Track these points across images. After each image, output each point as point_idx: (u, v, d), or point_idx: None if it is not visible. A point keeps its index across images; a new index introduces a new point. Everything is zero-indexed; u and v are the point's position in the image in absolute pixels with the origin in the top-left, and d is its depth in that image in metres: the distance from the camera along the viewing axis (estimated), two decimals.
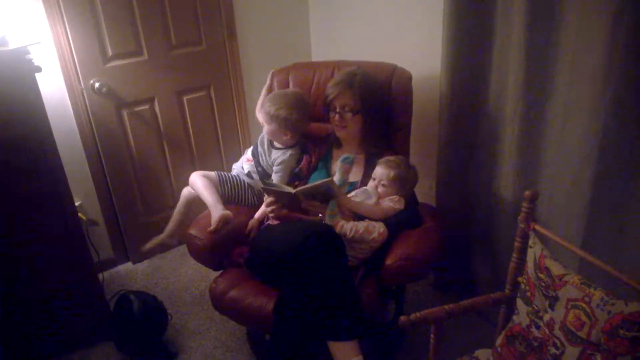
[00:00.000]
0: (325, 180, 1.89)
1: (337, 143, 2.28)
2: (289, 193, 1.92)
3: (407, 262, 1.85)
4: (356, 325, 1.76)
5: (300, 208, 2.01)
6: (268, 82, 2.51)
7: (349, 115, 2.12)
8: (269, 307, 1.86)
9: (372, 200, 2.02)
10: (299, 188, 1.93)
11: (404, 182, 2.05)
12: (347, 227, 1.89)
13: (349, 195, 2.06)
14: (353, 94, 2.10)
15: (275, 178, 2.28)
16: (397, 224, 1.98)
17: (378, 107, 2.19)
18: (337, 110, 2.13)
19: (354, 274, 1.89)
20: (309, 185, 1.93)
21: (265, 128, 2.30)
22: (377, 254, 1.94)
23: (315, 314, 1.76)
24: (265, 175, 2.37)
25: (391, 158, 2.08)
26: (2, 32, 2.00)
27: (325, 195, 1.91)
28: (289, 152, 2.30)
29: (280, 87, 2.48)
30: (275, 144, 2.34)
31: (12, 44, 1.98)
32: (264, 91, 2.50)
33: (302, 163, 2.28)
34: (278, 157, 2.30)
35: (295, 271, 1.79)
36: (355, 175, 2.18)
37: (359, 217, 1.99)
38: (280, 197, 2.01)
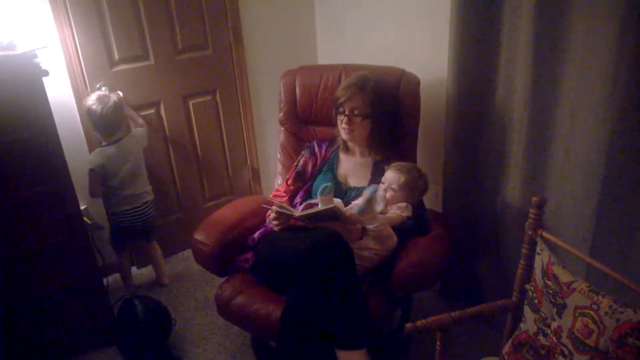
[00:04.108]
0: (328, 207, 1.86)
1: (345, 147, 2.27)
2: (292, 215, 1.92)
3: (417, 270, 1.84)
4: (365, 334, 1.74)
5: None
6: None
7: (358, 119, 2.11)
8: (275, 314, 1.85)
9: (380, 207, 2.00)
10: (302, 213, 1.91)
11: (413, 189, 2.03)
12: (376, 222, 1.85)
13: (354, 202, 2.05)
14: (364, 98, 2.09)
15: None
16: (405, 231, 1.97)
17: (387, 112, 2.18)
18: (346, 113, 2.12)
19: (361, 282, 1.87)
20: (312, 210, 1.92)
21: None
22: (384, 262, 1.93)
23: (324, 322, 1.75)
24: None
25: (403, 164, 2.07)
26: (10, 36, 2.01)
27: (331, 217, 1.91)
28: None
29: (286, 90, 2.49)
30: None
31: (20, 48, 1.99)
32: None
33: (307, 165, 2.28)
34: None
35: (303, 279, 1.78)
36: (362, 181, 2.18)
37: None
38: (282, 214, 2.00)
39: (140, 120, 2.71)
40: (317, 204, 2.11)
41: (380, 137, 2.19)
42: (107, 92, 2.48)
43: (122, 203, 2.57)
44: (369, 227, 1.87)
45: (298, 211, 2.02)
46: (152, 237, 2.80)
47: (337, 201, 2.06)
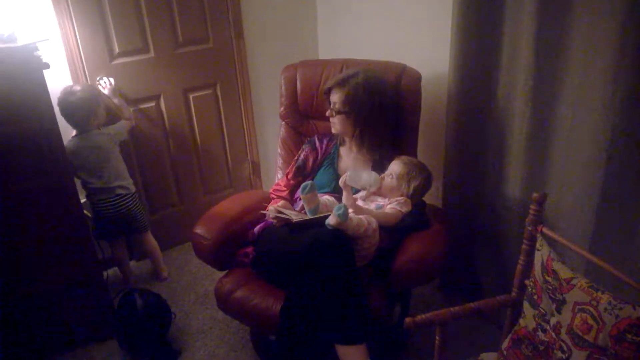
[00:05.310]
0: (324, 214, 1.86)
1: (342, 140, 2.28)
2: (290, 219, 1.92)
3: (417, 265, 1.84)
4: (364, 329, 1.75)
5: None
6: None
7: (333, 113, 2.15)
8: (275, 308, 1.86)
9: (372, 188, 2.02)
10: (300, 220, 1.91)
11: (408, 183, 2.04)
12: (355, 220, 1.82)
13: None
14: (341, 94, 2.10)
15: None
16: (405, 227, 1.97)
17: (374, 111, 2.13)
18: (330, 105, 2.17)
19: (361, 277, 1.87)
20: (311, 217, 1.92)
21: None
22: (384, 257, 1.93)
23: (323, 317, 1.75)
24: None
25: (410, 158, 2.10)
26: (11, 28, 2.00)
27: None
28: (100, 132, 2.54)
29: (287, 85, 2.48)
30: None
31: (21, 41, 1.98)
32: None
33: (308, 159, 2.28)
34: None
35: (303, 273, 1.78)
36: None
37: None
38: (279, 219, 1.99)
39: (127, 114, 2.69)
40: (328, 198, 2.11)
41: (369, 137, 2.18)
42: (73, 87, 2.46)
43: (95, 193, 2.56)
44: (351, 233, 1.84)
45: (296, 211, 2.05)
46: (140, 230, 2.77)
47: (330, 199, 2.06)
